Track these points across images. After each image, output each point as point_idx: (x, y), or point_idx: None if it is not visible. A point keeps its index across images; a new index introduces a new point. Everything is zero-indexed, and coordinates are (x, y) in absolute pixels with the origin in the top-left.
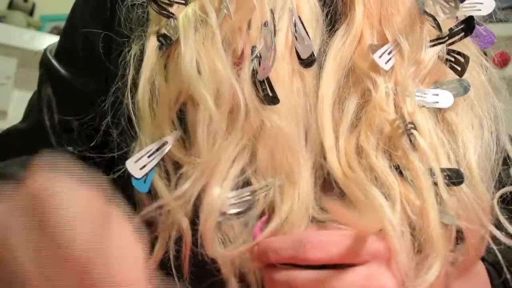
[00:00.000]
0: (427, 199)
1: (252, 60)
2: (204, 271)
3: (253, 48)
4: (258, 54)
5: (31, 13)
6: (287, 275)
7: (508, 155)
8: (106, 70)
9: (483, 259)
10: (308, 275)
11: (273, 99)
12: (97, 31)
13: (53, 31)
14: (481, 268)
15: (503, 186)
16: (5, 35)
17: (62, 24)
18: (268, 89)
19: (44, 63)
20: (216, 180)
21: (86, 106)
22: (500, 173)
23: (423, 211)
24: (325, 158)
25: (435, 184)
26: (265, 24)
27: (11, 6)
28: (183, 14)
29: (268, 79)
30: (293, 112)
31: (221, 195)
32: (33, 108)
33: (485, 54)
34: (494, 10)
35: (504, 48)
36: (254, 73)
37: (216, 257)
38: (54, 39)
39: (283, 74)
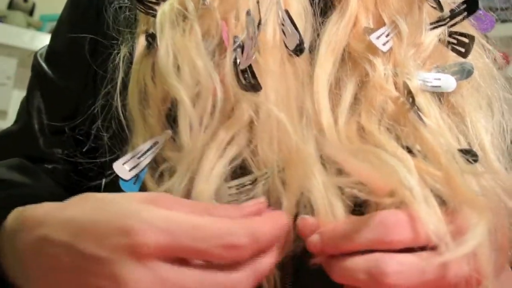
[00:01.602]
0: (450, 167)
1: (235, 49)
2: None
3: (235, 38)
4: (241, 44)
5: (31, 13)
6: (375, 261)
7: None
8: (92, 72)
9: None
10: (410, 259)
11: (255, 86)
12: (82, 33)
13: None
14: None
15: None
16: (5, 35)
17: None
18: (250, 77)
19: (34, 66)
20: (202, 173)
21: (73, 108)
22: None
23: (449, 179)
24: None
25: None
26: (247, 13)
27: (11, 6)
28: (160, 10)
29: (250, 67)
30: (284, 96)
31: (208, 188)
32: (23, 111)
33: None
34: (494, 10)
35: (504, 48)
36: (236, 62)
37: None
38: None
39: (273, 61)
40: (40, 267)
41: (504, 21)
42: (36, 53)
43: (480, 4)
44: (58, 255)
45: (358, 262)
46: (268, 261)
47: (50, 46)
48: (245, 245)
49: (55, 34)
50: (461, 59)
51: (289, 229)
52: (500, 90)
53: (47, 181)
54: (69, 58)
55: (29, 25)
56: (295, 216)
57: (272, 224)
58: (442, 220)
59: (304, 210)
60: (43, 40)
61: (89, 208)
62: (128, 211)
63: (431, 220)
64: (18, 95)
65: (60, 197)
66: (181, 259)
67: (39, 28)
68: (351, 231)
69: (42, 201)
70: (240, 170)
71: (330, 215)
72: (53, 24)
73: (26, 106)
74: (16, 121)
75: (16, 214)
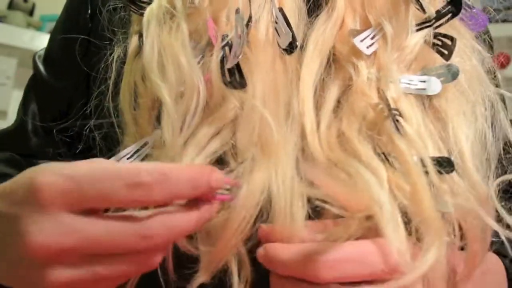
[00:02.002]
0: (418, 182)
1: (223, 47)
2: (190, 269)
3: (224, 36)
4: (230, 42)
5: (31, 13)
6: None
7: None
8: (84, 73)
9: (504, 255)
10: None
11: (240, 83)
12: (74, 34)
13: None
14: (496, 263)
15: None
16: (5, 35)
17: None
18: (237, 75)
19: (33, 67)
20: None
21: (65, 109)
22: (502, 162)
23: (415, 195)
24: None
25: (425, 173)
26: (236, 11)
27: (11, 6)
28: (149, 8)
29: (238, 65)
30: (272, 93)
31: None
32: (19, 110)
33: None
34: (494, 10)
35: (504, 49)
36: (223, 60)
37: (188, 250)
38: None
39: (264, 58)
40: None
41: (504, 21)
42: (35, 54)
43: (480, 4)
44: None
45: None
46: (181, 216)
47: (47, 48)
48: (152, 183)
49: (52, 36)
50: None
51: (216, 183)
52: (487, 92)
53: None
54: (63, 60)
55: (29, 25)
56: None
57: (187, 171)
58: (405, 243)
59: (264, 207)
60: (43, 40)
61: (17, 177)
62: (34, 170)
63: (395, 243)
64: (18, 95)
65: None
66: (91, 211)
67: (39, 28)
68: (288, 259)
69: None
70: (218, 163)
71: (288, 219)
72: (53, 24)
73: (21, 106)
74: (15, 121)
75: None
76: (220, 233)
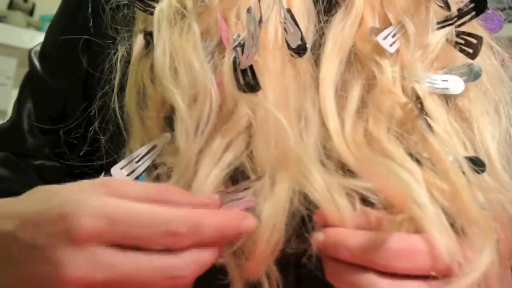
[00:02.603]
0: (457, 181)
1: (234, 48)
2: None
3: (236, 36)
4: (241, 43)
5: (31, 13)
6: (366, 279)
7: None
8: (83, 73)
9: None
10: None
11: (254, 87)
12: (73, 33)
13: None
14: None
15: None
16: (5, 35)
17: None
18: (250, 77)
19: (29, 63)
20: (197, 181)
21: (61, 108)
22: None
23: (455, 194)
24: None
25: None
26: (248, 10)
27: (11, 6)
28: (158, 7)
29: (251, 67)
30: (283, 96)
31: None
32: (14, 109)
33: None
34: (502, 10)
35: (504, 49)
36: (236, 62)
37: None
38: None
39: (274, 61)
40: None
41: (504, 21)
42: (31, 50)
43: (489, 4)
44: (6, 246)
45: (354, 276)
46: (209, 254)
47: (43, 44)
48: (185, 233)
49: (48, 32)
50: (469, 60)
51: (247, 229)
52: (508, 93)
53: (32, 175)
54: (59, 58)
55: (29, 25)
56: (292, 216)
57: (218, 219)
58: (455, 244)
59: (302, 208)
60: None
61: (35, 200)
62: (67, 199)
63: (444, 244)
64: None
65: None
66: (122, 245)
67: (39, 28)
68: (355, 245)
69: (18, 195)
70: (237, 175)
71: (334, 209)
72: None
73: (17, 104)
74: (9, 118)
75: None
76: (252, 248)
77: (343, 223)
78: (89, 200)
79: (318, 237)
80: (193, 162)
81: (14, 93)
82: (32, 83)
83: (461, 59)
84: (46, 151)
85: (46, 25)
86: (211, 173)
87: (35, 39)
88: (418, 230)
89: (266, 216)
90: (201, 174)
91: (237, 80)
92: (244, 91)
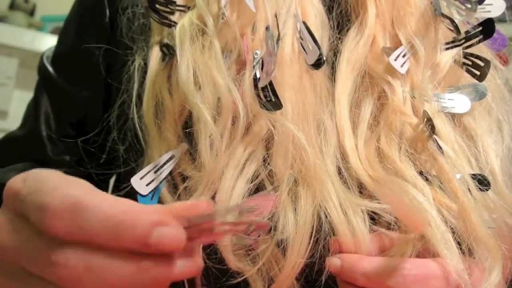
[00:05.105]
0: (465, 201)
1: (254, 66)
2: (222, 272)
3: (255, 53)
4: (261, 60)
5: (32, 13)
6: None
7: None
8: (102, 81)
9: None
10: None
11: (276, 105)
12: (92, 40)
13: (54, 32)
14: None
15: None
16: (6, 35)
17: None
18: (271, 94)
19: (41, 69)
20: (223, 192)
21: (82, 116)
22: None
23: (464, 214)
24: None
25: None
26: (266, 28)
27: (12, 6)
28: (180, 24)
29: (271, 84)
30: (302, 111)
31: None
32: (30, 115)
33: None
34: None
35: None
36: (256, 79)
37: (240, 269)
38: (55, 39)
39: (291, 75)
40: None
41: (504, 21)
42: (42, 55)
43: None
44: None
45: None
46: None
47: (57, 48)
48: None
49: (62, 36)
50: (474, 80)
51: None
52: (511, 111)
53: None
54: (77, 63)
55: (30, 26)
56: (311, 233)
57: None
58: (466, 265)
59: (322, 228)
60: (44, 40)
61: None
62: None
63: (456, 266)
64: (18, 95)
65: None
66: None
67: (40, 29)
68: (371, 271)
69: None
70: (259, 189)
71: (349, 234)
72: (54, 24)
73: (33, 110)
74: (22, 125)
75: None
76: (279, 264)
77: (357, 250)
78: None
79: (334, 262)
80: (218, 175)
81: (15, 93)
82: (48, 89)
83: (466, 78)
84: (67, 159)
85: (47, 25)
86: (236, 186)
87: (36, 39)
88: (427, 248)
89: (292, 231)
90: (226, 187)
91: (258, 96)
92: (267, 109)
